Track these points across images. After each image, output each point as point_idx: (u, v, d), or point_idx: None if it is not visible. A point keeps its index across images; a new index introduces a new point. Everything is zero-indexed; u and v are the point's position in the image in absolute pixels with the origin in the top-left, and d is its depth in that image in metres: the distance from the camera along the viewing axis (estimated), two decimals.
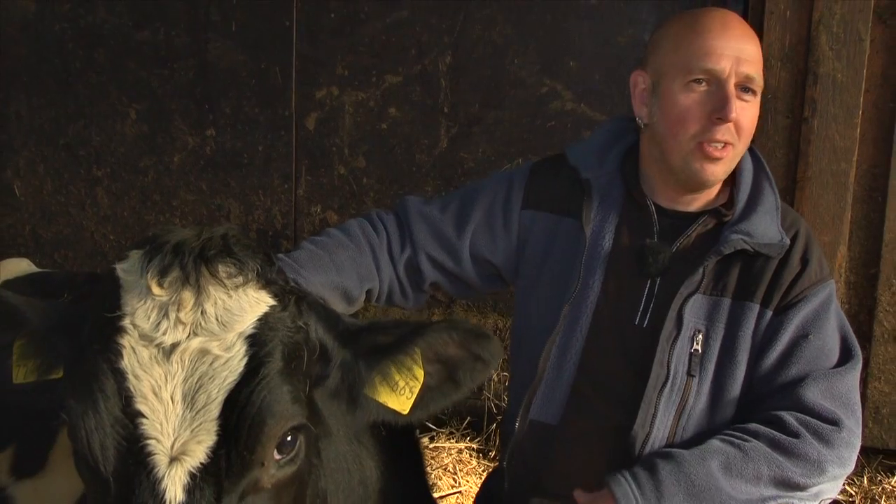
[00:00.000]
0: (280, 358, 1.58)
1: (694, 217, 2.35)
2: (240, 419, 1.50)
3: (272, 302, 1.61)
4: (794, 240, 2.29)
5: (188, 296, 1.54)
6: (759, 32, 3.74)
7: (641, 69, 2.39)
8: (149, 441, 1.48)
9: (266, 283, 1.62)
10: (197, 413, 1.49)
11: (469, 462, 4.37)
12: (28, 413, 2.02)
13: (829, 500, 2.24)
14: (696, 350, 2.23)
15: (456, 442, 4.51)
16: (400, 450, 2.26)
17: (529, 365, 2.38)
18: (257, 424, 1.52)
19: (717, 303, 2.25)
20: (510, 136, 4.49)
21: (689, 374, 2.22)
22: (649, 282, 2.31)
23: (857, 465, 3.84)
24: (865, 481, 3.86)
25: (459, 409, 4.65)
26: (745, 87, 2.23)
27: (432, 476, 4.15)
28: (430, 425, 4.62)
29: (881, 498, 3.76)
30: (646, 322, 2.29)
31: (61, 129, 5.04)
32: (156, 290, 1.54)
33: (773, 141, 3.79)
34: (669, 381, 2.21)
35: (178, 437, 1.48)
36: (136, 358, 1.51)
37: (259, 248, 1.67)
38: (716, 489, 2.06)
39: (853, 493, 3.81)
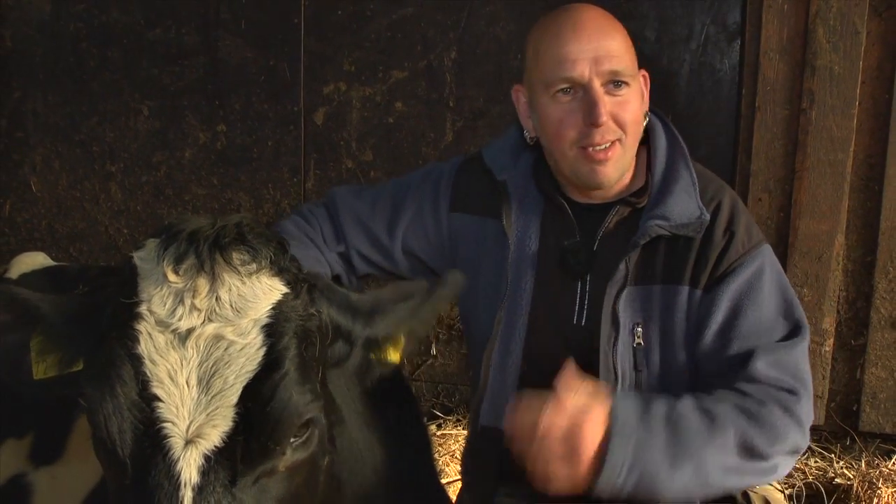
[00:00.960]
0: (297, 350, 1.60)
1: (609, 207, 2.27)
2: (260, 413, 1.52)
3: (285, 289, 1.63)
4: (716, 213, 2.19)
5: (203, 283, 1.56)
6: (758, 25, 3.79)
7: (520, 83, 2.32)
8: (164, 424, 1.49)
9: (279, 271, 1.64)
10: (213, 397, 1.51)
11: None
12: (45, 402, 2.03)
13: (782, 477, 2.15)
14: (640, 344, 2.17)
15: (463, 429, 4.49)
16: (409, 437, 2.29)
17: (476, 371, 2.37)
18: (277, 419, 1.53)
19: (649, 291, 2.18)
20: None
21: (636, 370, 2.17)
22: (580, 280, 2.26)
23: (855, 450, 3.96)
24: (863, 465, 3.86)
25: (466, 398, 4.70)
26: (615, 83, 2.15)
27: (440, 462, 4.15)
28: (438, 413, 4.64)
29: (878, 481, 3.76)
30: (584, 320, 2.24)
31: (76, 125, 5.08)
32: (171, 277, 1.56)
33: (771, 132, 3.79)
34: (619, 383, 2.15)
35: (193, 420, 1.50)
36: (152, 343, 1.53)
37: (272, 236, 1.69)
38: (695, 449, 1.96)
39: (851, 477, 3.81)
